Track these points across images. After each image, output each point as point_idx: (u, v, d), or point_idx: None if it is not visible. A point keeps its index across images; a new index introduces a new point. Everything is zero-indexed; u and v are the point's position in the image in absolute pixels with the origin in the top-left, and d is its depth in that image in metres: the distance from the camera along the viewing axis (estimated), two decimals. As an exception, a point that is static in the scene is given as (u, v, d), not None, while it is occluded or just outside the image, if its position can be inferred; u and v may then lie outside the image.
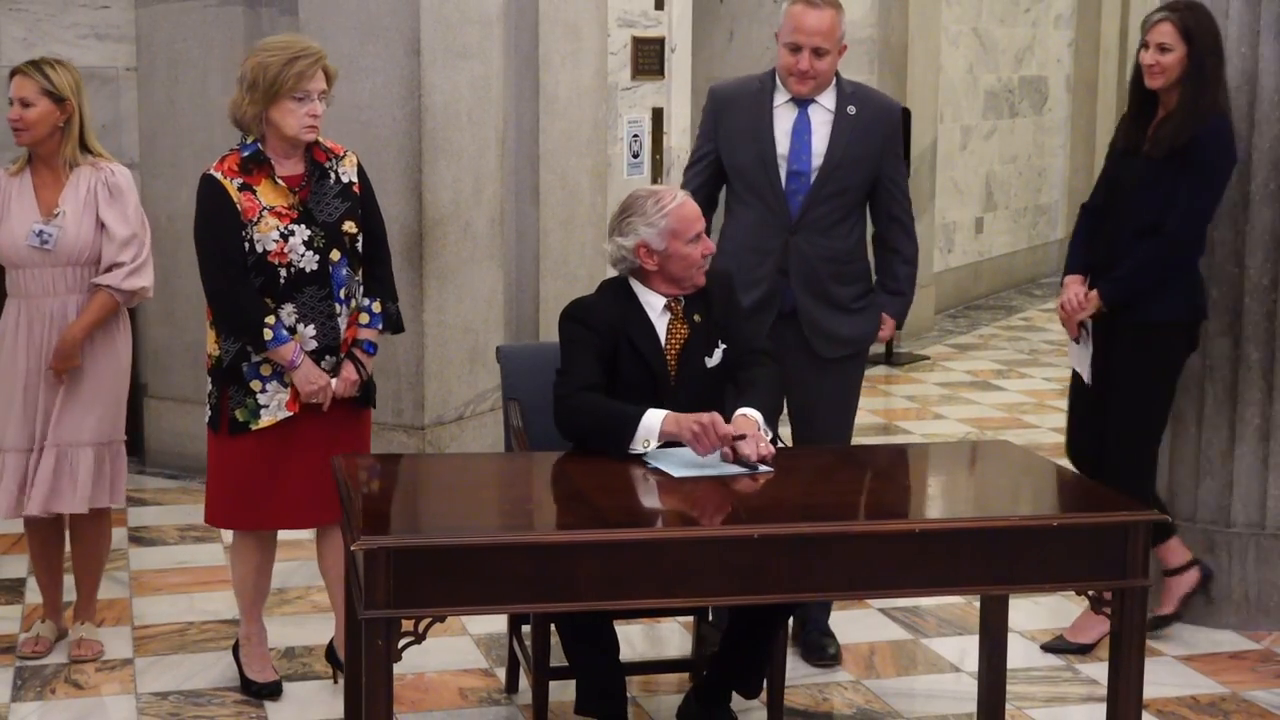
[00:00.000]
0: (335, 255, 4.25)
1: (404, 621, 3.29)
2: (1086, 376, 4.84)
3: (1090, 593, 3.55)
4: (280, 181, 4.24)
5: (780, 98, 4.60)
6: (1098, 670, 4.64)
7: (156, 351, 6.83)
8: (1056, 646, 4.89)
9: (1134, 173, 4.70)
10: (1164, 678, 4.66)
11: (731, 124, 4.66)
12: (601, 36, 6.58)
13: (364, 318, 4.37)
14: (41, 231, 4.48)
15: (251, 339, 4.20)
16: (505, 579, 3.29)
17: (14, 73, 4.58)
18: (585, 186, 6.56)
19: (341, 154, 4.36)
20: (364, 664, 3.28)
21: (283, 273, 4.20)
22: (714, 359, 4.11)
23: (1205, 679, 4.71)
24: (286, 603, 5.22)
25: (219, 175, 4.24)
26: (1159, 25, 4.60)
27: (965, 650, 4.81)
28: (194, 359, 6.68)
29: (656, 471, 3.76)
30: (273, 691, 4.46)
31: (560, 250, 6.57)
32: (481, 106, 6.16)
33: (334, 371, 4.29)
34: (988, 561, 3.47)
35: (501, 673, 4.63)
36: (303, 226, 4.22)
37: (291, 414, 4.26)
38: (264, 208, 4.20)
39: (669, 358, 4.08)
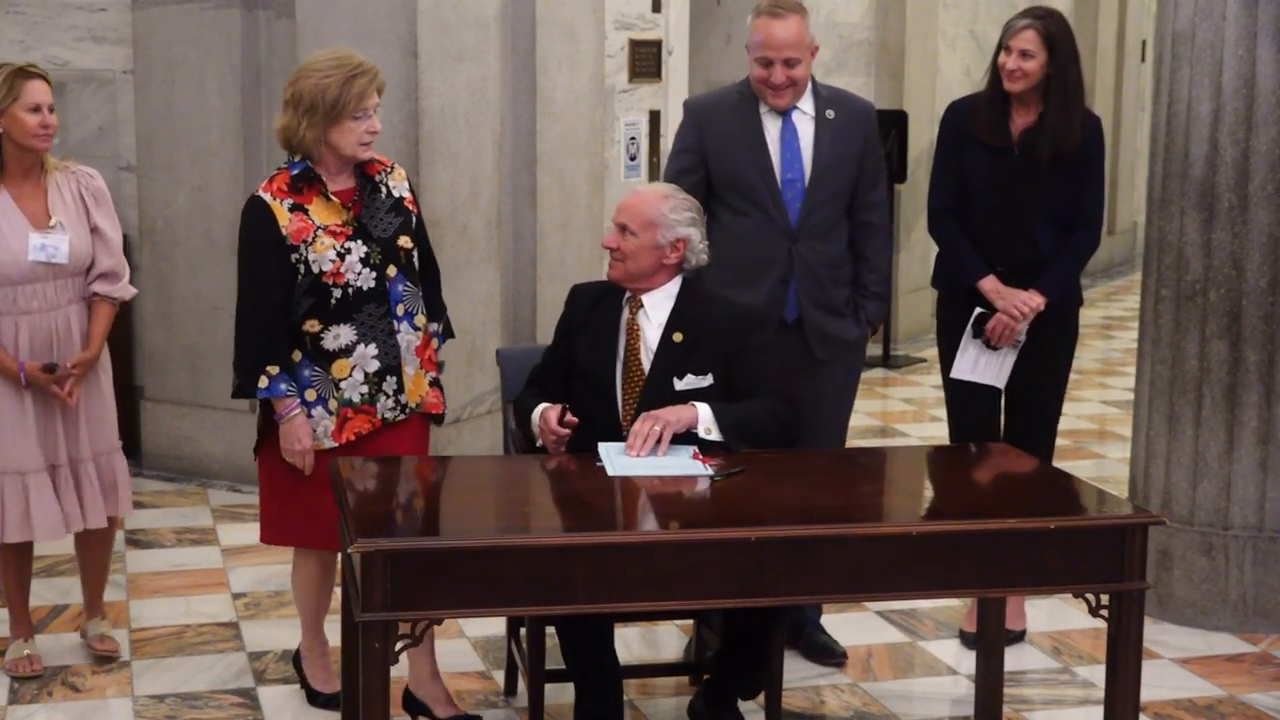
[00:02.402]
0: (391, 271, 4.11)
1: (401, 624, 3.30)
2: (1003, 381, 4.85)
3: (1087, 595, 3.55)
4: (333, 198, 4.10)
5: (764, 105, 4.56)
6: (1095, 673, 4.64)
7: (153, 354, 6.82)
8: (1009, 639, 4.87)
9: (1021, 172, 4.75)
10: (1161, 680, 4.65)
11: (719, 135, 4.58)
12: (599, 39, 6.59)
13: (434, 342, 4.30)
14: (45, 245, 4.35)
15: (243, 377, 4.10)
16: (502, 581, 3.29)
17: (26, 76, 4.39)
18: (582, 189, 6.56)
19: (390, 167, 4.22)
20: (361, 666, 3.28)
21: (336, 293, 4.05)
22: (683, 384, 4.01)
23: (1202, 682, 4.71)
24: (284, 605, 5.21)
25: (267, 197, 4.08)
26: (1022, 32, 4.70)
27: (962, 653, 4.81)
28: (191, 362, 6.69)
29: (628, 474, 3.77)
30: (339, 702, 4.26)
31: (558, 253, 6.57)
32: (479, 109, 6.16)
33: (398, 391, 4.14)
34: (984, 564, 3.47)
35: (498, 675, 4.63)
36: (358, 243, 4.08)
37: (335, 444, 4.10)
38: (318, 227, 4.06)
39: (631, 361, 4.04)
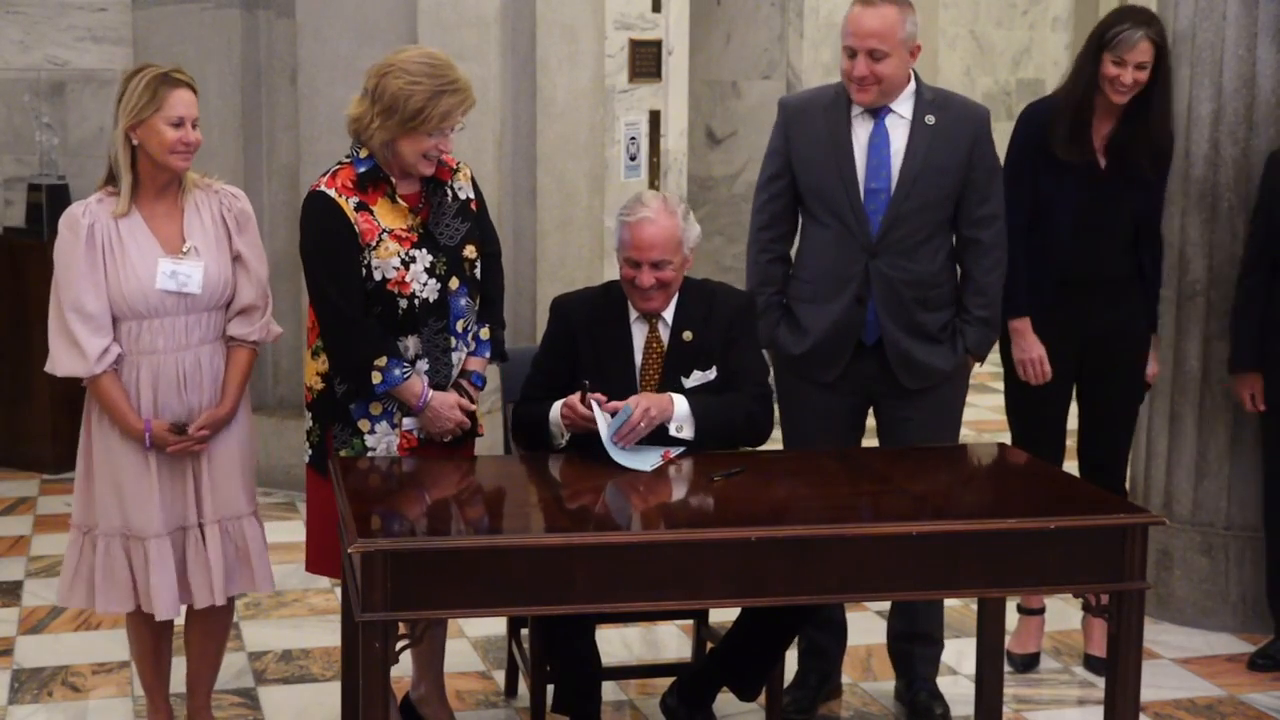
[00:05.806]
0: (454, 284, 3.89)
1: (400, 624, 3.30)
2: None
3: (1088, 595, 3.55)
4: (400, 200, 3.86)
5: (856, 108, 4.20)
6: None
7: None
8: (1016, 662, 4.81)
9: (1115, 186, 4.53)
10: (1161, 680, 4.66)
11: (805, 138, 4.24)
12: (599, 39, 6.58)
13: (470, 344, 4.02)
14: (176, 272, 3.78)
15: (352, 380, 3.82)
16: (502, 581, 3.29)
17: (172, 84, 3.81)
18: (583, 189, 6.55)
19: (456, 166, 3.99)
20: (361, 666, 3.28)
21: (402, 303, 3.83)
22: (691, 380, 3.98)
23: (1202, 682, 4.71)
24: (284, 605, 5.21)
25: (331, 193, 3.80)
26: (1139, 44, 4.41)
27: (963, 653, 4.81)
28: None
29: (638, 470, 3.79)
30: None
31: (558, 253, 6.56)
32: (479, 109, 6.08)
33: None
34: (985, 564, 3.47)
35: (498, 675, 4.63)
36: (423, 251, 3.84)
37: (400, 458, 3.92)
38: (383, 230, 3.81)
39: (648, 371, 4.01)
